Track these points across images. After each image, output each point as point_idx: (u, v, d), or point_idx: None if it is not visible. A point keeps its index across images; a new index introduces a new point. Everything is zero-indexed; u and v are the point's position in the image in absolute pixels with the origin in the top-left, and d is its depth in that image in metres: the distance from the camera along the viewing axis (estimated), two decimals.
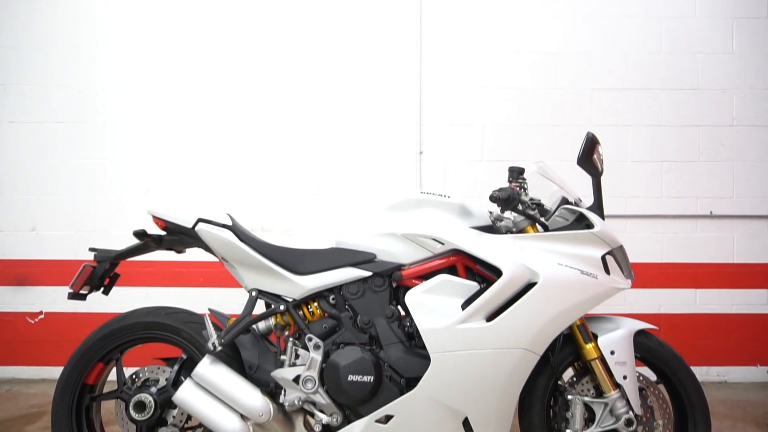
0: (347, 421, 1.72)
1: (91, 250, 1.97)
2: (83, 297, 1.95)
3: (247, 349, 1.83)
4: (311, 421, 1.74)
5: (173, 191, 3.32)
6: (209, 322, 1.77)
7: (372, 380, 1.68)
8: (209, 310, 1.85)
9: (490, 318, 1.68)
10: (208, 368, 1.71)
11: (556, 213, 1.89)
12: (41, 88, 3.31)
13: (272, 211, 3.29)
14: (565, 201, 1.89)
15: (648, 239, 3.32)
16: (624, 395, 1.73)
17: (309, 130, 3.33)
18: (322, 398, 1.71)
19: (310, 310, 1.85)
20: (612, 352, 1.72)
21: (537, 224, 1.85)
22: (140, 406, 1.77)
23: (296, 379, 1.72)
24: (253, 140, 3.33)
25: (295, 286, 1.81)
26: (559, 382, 1.79)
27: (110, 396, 1.85)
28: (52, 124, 3.29)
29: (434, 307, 1.70)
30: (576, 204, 1.88)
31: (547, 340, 1.68)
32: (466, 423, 1.69)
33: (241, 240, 1.84)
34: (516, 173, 1.86)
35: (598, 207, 1.83)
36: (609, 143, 3.20)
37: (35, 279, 3.32)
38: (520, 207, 1.80)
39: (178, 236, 1.93)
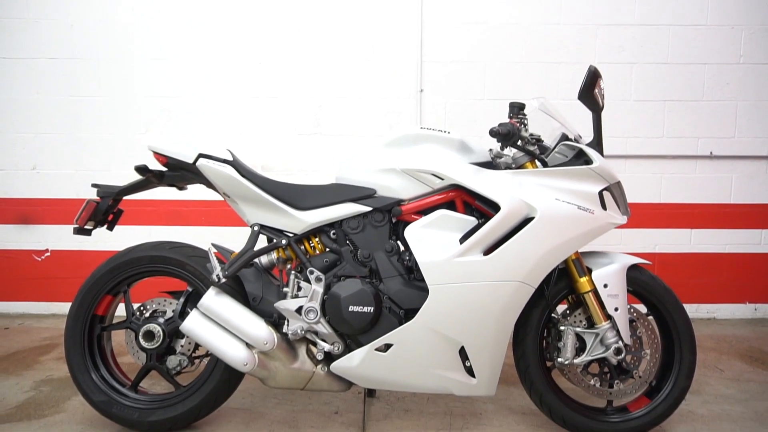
0: (348, 349, 1.80)
1: (94, 186, 1.98)
2: (88, 232, 1.98)
3: (251, 282, 1.88)
4: (314, 350, 1.81)
5: (171, 130, 3.29)
6: (213, 254, 1.81)
7: (372, 311, 1.74)
8: (212, 245, 1.89)
9: (488, 252, 1.72)
10: (213, 299, 1.77)
11: (556, 149, 1.90)
12: (32, 23, 3.21)
13: (271, 151, 3.28)
14: (565, 138, 1.89)
15: (647, 179, 3.33)
16: (615, 326, 1.80)
17: (307, 68, 3.26)
18: (323, 328, 1.78)
19: (312, 244, 1.89)
20: (605, 285, 1.78)
21: (536, 160, 1.86)
22: (149, 336, 1.84)
23: (299, 310, 1.78)
24: (251, 78, 3.27)
25: (296, 221, 1.84)
26: (553, 314, 1.86)
27: (120, 326, 1.92)
28: (46, 60, 3.21)
29: (433, 242, 1.74)
30: (576, 141, 1.88)
31: (542, 274, 1.73)
32: (462, 351, 1.76)
33: (242, 175, 1.85)
34: (516, 109, 1.85)
35: (597, 143, 1.83)
36: (612, 81, 3.17)
37: (39, 217, 3.35)
38: (519, 143, 1.81)
39: (179, 172, 1.94)
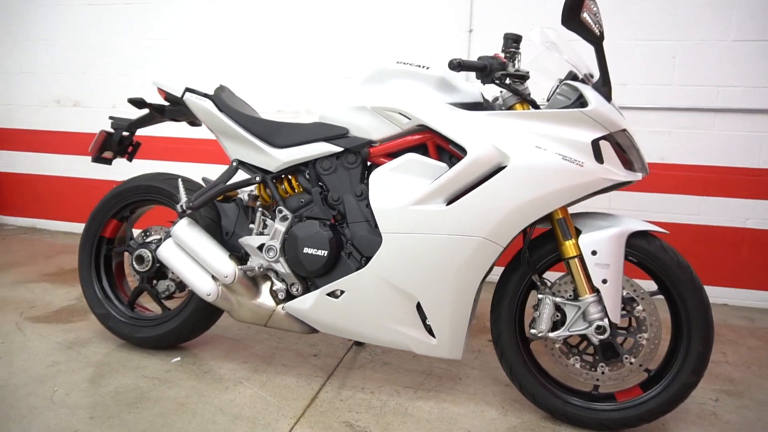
0: (307, 291, 1.76)
1: (110, 118, 2.13)
2: (108, 161, 2.15)
3: (228, 217, 1.91)
4: (276, 288, 1.80)
5: (220, 71, 3.40)
6: (181, 185, 1.86)
7: (326, 255, 1.67)
8: (181, 178, 1.94)
9: (452, 202, 1.54)
10: (184, 229, 1.83)
11: (558, 90, 1.61)
12: None
13: (317, 94, 3.25)
14: (572, 77, 1.60)
15: (649, 134, 2.74)
16: (601, 300, 1.53)
17: (352, 10, 3.14)
18: (282, 268, 1.75)
19: (292, 185, 1.85)
20: (593, 252, 1.50)
21: (527, 102, 1.60)
22: (140, 260, 1.98)
23: (260, 248, 1.77)
24: (296, 21, 3.23)
25: (271, 158, 1.81)
26: (534, 278, 1.62)
27: (120, 248, 2.09)
28: (123, 5, 3.49)
29: (396, 187, 1.60)
30: (584, 80, 1.58)
31: (511, 232, 1.51)
32: (419, 308, 1.63)
33: (220, 110, 1.85)
34: (510, 41, 1.59)
35: (602, 83, 1.52)
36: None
37: None
38: (505, 80, 1.57)
39: (176, 107, 2.00)
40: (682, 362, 1.54)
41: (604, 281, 1.50)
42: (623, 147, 1.53)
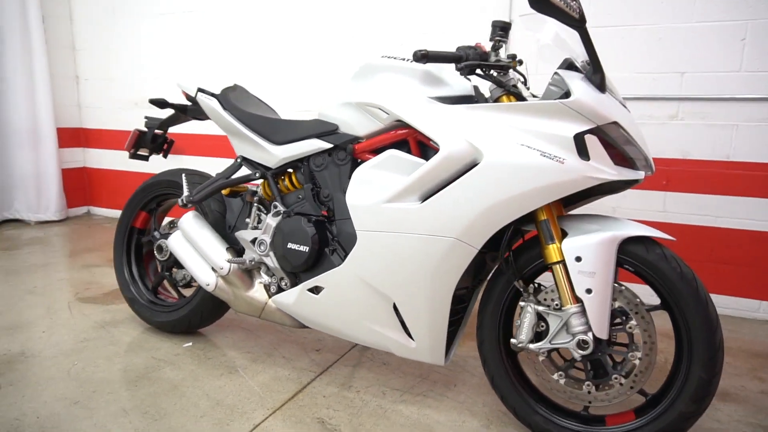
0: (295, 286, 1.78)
1: (145, 117, 2.31)
2: (145, 158, 2.33)
3: (232, 211, 1.99)
4: (269, 281, 1.84)
5: (272, 68, 3.52)
6: (184, 180, 1.96)
7: (307, 250, 1.68)
8: (185, 172, 2.05)
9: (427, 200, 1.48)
10: (189, 222, 1.93)
11: (550, 81, 1.48)
12: None
13: None
14: (570, 65, 1.46)
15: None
16: (585, 312, 1.38)
17: (391, 3, 3.10)
18: (271, 262, 1.79)
19: (292, 181, 1.88)
20: (578, 259, 1.36)
21: (512, 94, 1.49)
22: (159, 249, 2.12)
23: (253, 241, 1.82)
24: (335, 17, 3.24)
25: (270, 155, 1.85)
26: (516, 284, 1.50)
27: (147, 238, 2.25)
28: (186, 14, 3.75)
29: (375, 184, 1.57)
30: (581, 69, 1.43)
31: (485, 233, 1.41)
32: (397, 309, 1.58)
33: (225, 108, 1.93)
34: (496, 29, 1.49)
35: (593, 71, 1.37)
36: None
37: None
38: (490, 71, 1.47)
39: (196, 106, 2.12)
40: (681, 388, 1.35)
41: (589, 291, 1.36)
42: (616, 142, 1.37)
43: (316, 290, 1.68)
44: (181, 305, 2.10)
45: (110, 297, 2.59)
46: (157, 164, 3.18)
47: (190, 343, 2.10)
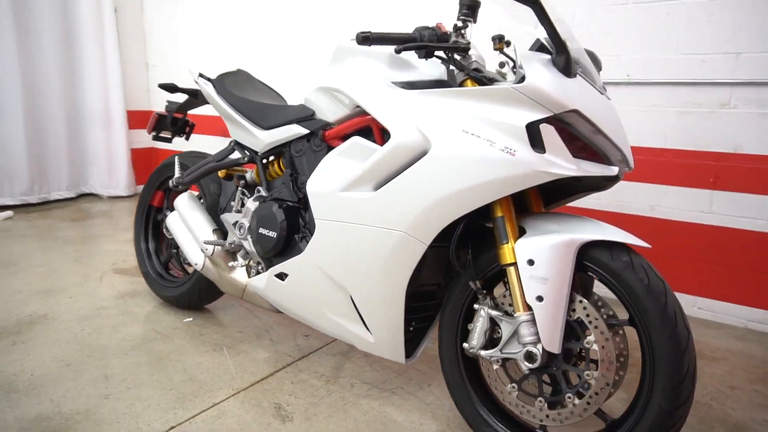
0: None
1: (167, 101, 2.42)
2: (168, 140, 2.45)
3: (225, 194, 2.03)
4: (251, 264, 1.87)
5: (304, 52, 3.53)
6: (176, 162, 2.02)
7: (275, 236, 1.67)
8: (178, 155, 2.12)
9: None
10: (183, 202, 2.00)
11: (519, 63, 1.34)
12: None
13: None
14: (540, 47, 1.31)
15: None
16: (535, 322, 1.24)
17: None
18: (248, 245, 1.80)
19: (280, 166, 1.88)
20: (530, 262, 1.23)
21: (473, 78, 1.36)
22: (167, 228, 2.23)
23: (235, 224, 1.85)
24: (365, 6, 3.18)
25: (257, 139, 1.87)
26: (471, 284, 1.39)
27: (160, 217, 2.37)
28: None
29: (335, 172, 1.52)
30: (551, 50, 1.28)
31: (433, 227, 1.32)
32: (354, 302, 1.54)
33: (219, 93, 1.96)
34: (463, 7, 1.37)
35: (556, 52, 1.21)
36: None
37: None
38: (452, 54, 1.36)
39: None
40: (639, 418, 1.18)
41: (540, 299, 1.22)
42: (582, 133, 1.21)
43: (282, 276, 1.68)
44: (183, 282, 2.20)
45: (139, 270, 2.77)
46: (211, 146, 3.34)
47: (191, 319, 2.20)
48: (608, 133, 1.22)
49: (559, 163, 1.18)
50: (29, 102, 3.93)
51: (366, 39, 1.29)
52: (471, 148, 1.24)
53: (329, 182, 1.51)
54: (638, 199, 2.43)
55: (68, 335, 2.01)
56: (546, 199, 1.52)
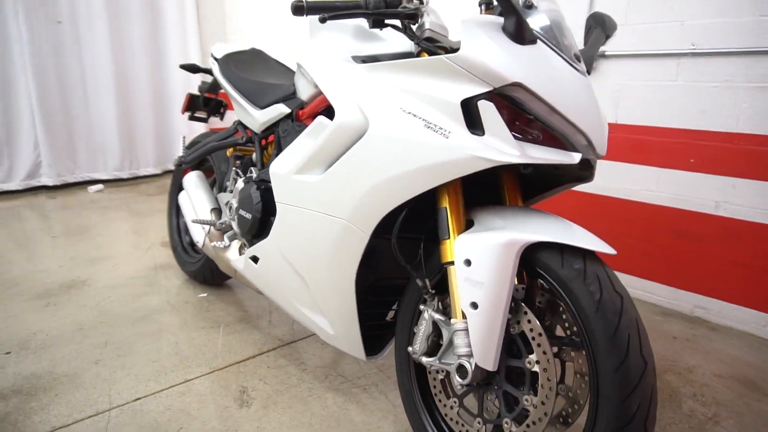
0: None
1: (201, 82, 2.49)
2: (204, 120, 2.53)
3: (229, 174, 2.04)
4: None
5: None
6: (182, 143, 2.05)
7: (250, 218, 1.64)
8: (184, 136, 2.13)
9: None
10: (188, 181, 2.04)
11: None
12: None
13: None
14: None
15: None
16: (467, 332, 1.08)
17: None
18: (235, 226, 1.79)
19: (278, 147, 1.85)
20: (467, 262, 1.06)
21: (425, 50, 1.19)
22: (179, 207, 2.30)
23: (227, 204, 1.85)
24: None
25: (253, 119, 1.84)
26: (419, 281, 1.24)
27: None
28: None
29: (295, 153, 1.44)
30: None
31: (372, 216, 1.19)
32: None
33: (222, 73, 1.96)
34: None
35: (505, 16, 1.01)
36: None
37: None
38: (408, 23, 1.20)
39: None
40: None
41: (474, 306, 1.05)
42: (536, 112, 1.00)
43: (255, 259, 1.64)
44: (198, 259, 2.26)
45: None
46: None
47: (206, 294, 2.26)
48: (565, 111, 1.00)
49: (499, 147, 0.99)
50: (120, 84, 4.31)
51: (299, 9, 1.17)
52: (406, 128, 1.09)
53: (288, 164, 1.43)
54: (699, 193, 2.04)
55: (93, 301, 2.17)
56: (529, 192, 1.31)
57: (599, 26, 1.29)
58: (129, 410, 1.49)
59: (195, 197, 2.00)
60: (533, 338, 1.03)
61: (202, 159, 2.06)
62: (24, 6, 3.75)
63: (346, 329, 1.39)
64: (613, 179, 2.29)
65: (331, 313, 1.40)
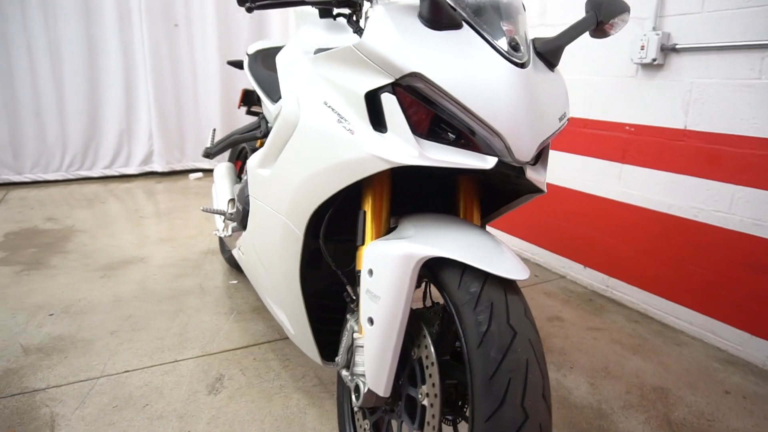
0: None
1: None
2: (259, 115, 2.65)
3: None
4: None
5: None
6: (211, 134, 2.13)
7: (241, 210, 1.66)
8: (214, 129, 2.21)
9: None
10: (216, 172, 2.14)
11: None
12: None
13: None
14: None
15: None
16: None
17: None
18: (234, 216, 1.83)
19: None
20: (370, 273, 0.97)
21: None
22: None
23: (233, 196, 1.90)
24: None
25: (269, 112, 1.87)
26: (348, 288, 1.15)
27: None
28: None
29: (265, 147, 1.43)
30: None
31: (302, 215, 1.14)
32: None
33: (249, 68, 2.01)
34: None
35: (426, 2, 0.89)
36: None
37: None
38: (356, 10, 1.12)
39: None
40: None
41: (371, 321, 0.95)
42: (445, 108, 0.87)
43: (242, 251, 1.66)
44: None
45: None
46: None
47: (236, 281, 2.36)
48: (474, 106, 0.85)
49: (398, 146, 0.88)
50: (224, 83, 4.68)
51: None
52: (324, 122, 1.02)
53: (257, 157, 1.42)
54: None
55: (140, 277, 2.38)
56: (496, 203, 1.15)
57: (593, 10, 1.09)
58: (114, 381, 1.60)
59: (218, 187, 2.09)
60: (426, 367, 0.90)
61: (226, 150, 2.14)
62: (148, 13, 4.24)
63: (301, 330, 1.35)
64: (680, 195, 1.94)
65: (289, 311, 1.36)
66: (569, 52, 2.34)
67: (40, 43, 3.94)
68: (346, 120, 0.96)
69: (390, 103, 0.89)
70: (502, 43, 0.89)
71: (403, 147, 0.87)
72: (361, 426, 1.11)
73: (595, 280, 2.35)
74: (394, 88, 0.88)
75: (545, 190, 1.01)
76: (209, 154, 2.14)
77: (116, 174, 4.47)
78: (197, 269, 2.49)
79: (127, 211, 3.48)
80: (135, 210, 3.51)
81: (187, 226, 3.15)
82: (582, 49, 2.28)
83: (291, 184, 1.13)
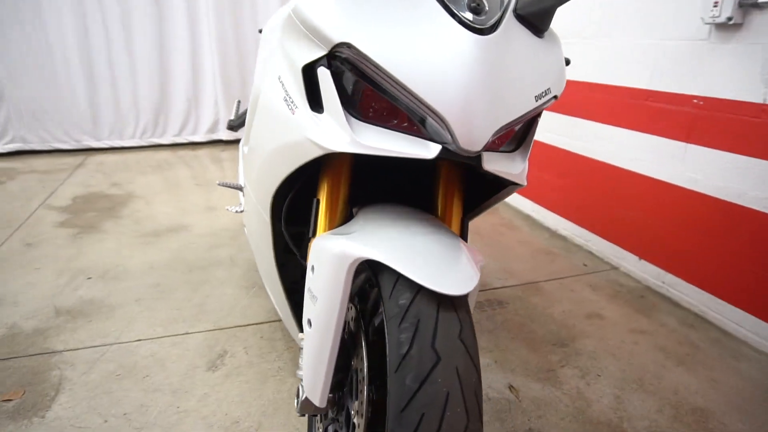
0: None
1: None
2: None
3: None
4: None
5: None
6: (235, 106, 2.09)
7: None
8: (239, 101, 2.15)
9: None
10: (241, 148, 2.10)
11: None
12: None
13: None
14: None
15: None
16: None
17: None
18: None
19: None
20: (312, 269, 0.87)
21: None
22: None
23: None
24: None
25: None
26: None
27: None
28: None
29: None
30: None
31: (264, 198, 1.06)
32: None
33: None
34: None
35: None
36: None
37: None
38: None
39: None
40: None
41: (309, 323, 0.86)
42: (384, 86, 0.74)
43: (246, 230, 1.63)
44: None
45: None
46: None
47: None
48: (410, 83, 0.70)
49: (332, 130, 0.76)
50: None
51: None
52: (274, 99, 0.93)
53: (244, 134, 1.35)
54: None
55: (179, 245, 2.45)
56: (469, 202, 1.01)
57: None
58: (124, 349, 1.65)
59: (241, 162, 2.06)
60: (359, 381, 0.80)
61: None
62: None
63: (284, 316, 1.29)
64: (754, 184, 1.63)
65: (274, 297, 1.31)
66: (623, 12, 2.02)
67: (114, 14, 4.13)
68: (290, 97, 0.85)
69: (325, 79, 0.77)
70: (461, 6, 0.73)
71: (335, 131, 0.75)
72: (318, 428, 1.04)
73: (650, 275, 2.08)
74: (330, 61, 0.76)
75: (524, 182, 0.84)
76: (233, 126, 2.12)
77: (185, 141, 4.66)
78: (234, 240, 2.52)
79: (186, 178, 3.61)
80: (193, 177, 3.63)
81: (236, 195, 3.21)
82: (641, 8, 1.96)
83: (254, 165, 1.06)
